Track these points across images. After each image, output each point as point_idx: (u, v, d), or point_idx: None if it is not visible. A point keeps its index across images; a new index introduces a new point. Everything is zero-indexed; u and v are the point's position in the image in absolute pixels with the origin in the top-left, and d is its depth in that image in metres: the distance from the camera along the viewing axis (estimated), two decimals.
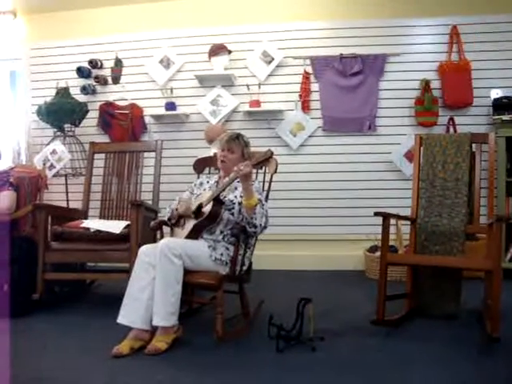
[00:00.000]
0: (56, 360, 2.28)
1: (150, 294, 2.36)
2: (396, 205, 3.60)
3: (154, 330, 2.37)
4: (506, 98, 3.89)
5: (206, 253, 2.47)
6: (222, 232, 2.57)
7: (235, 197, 2.58)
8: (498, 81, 4.04)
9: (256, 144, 3.08)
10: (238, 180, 2.48)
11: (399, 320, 2.71)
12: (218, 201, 2.54)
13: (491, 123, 3.96)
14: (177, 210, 2.68)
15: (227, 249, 2.52)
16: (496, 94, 3.94)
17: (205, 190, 2.75)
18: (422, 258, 2.78)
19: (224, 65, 4.29)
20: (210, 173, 3.08)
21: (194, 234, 2.56)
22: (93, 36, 4.54)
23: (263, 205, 2.52)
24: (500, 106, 3.87)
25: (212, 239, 2.55)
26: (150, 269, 2.39)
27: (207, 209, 2.52)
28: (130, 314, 2.36)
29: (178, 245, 2.40)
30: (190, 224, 2.58)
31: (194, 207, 2.59)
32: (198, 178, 2.97)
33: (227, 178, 2.60)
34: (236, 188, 2.62)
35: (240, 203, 2.50)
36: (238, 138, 2.72)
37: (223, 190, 2.58)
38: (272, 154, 2.47)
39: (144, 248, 2.48)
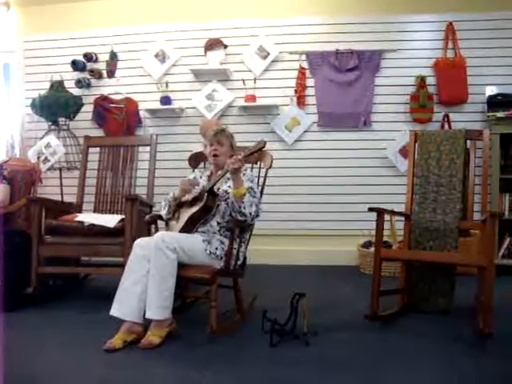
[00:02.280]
0: (50, 355, 2.27)
1: (143, 288, 2.35)
2: (390, 200, 3.61)
3: (146, 324, 2.37)
4: (500, 95, 3.90)
5: (200, 247, 2.47)
6: (218, 223, 2.58)
7: (229, 187, 2.58)
8: (492, 78, 4.05)
9: (251, 139, 3.07)
10: None
11: (393, 315, 2.72)
12: (212, 194, 2.54)
13: (486, 120, 3.98)
14: (175, 199, 2.68)
15: (222, 243, 2.52)
16: (491, 91, 3.95)
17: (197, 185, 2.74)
18: (415, 254, 2.80)
19: (220, 59, 4.28)
20: (204, 167, 3.07)
21: (188, 226, 2.56)
22: (88, 29, 4.51)
23: (255, 193, 2.53)
24: (495, 103, 3.88)
25: (208, 230, 2.56)
26: (145, 262, 2.38)
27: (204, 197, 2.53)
28: (122, 307, 2.36)
29: (172, 238, 2.40)
30: (184, 216, 2.59)
31: (194, 194, 2.60)
32: (193, 172, 2.97)
33: (220, 172, 2.61)
34: (229, 179, 2.61)
35: None
36: (223, 130, 2.76)
37: (215, 183, 2.58)
38: (265, 143, 2.45)
39: (139, 241, 2.48)
